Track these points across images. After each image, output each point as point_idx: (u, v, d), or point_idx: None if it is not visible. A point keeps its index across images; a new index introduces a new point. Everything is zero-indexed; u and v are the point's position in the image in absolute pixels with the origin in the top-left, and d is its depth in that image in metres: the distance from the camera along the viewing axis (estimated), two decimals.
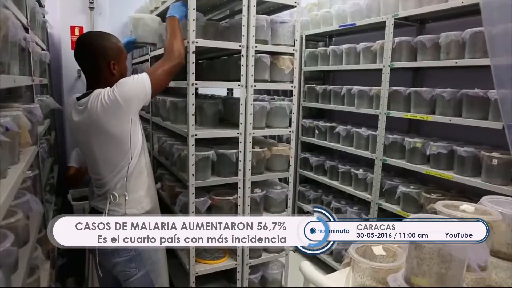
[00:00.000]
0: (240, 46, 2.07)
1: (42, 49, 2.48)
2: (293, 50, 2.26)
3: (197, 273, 2.18)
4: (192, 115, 2.01)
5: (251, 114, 2.16)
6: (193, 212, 2.09)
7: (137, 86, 1.53)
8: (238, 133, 2.16)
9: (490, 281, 1.03)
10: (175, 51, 1.70)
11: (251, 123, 2.17)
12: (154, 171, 3.14)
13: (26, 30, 1.68)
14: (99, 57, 1.56)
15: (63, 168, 3.59)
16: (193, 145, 2.03)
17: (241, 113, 2.15)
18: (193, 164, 2.04)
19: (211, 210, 2.23)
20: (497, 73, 1.43)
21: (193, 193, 2.08)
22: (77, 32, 3.65)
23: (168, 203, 2.57)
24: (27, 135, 1.45)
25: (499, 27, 1.40)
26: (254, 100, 2.19)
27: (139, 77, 1.55)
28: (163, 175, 2.79)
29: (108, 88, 1.50)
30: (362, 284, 1.01)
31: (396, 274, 0.91)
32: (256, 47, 2.10)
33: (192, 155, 2.03)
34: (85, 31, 3.65)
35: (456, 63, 2.21)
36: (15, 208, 1.30)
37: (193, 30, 1.92)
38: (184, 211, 2.20)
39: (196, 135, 2.03)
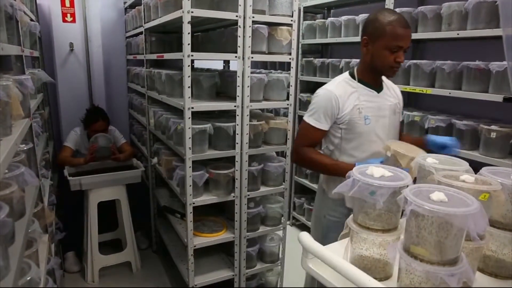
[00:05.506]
0: (236, 16, 2.01)
1: (31, 20, 2.40)
2: (291, 20, 2.19)
3: (195, 246, 2.20)
4: (188, 87, 1.97)
5: (248, 86, 2.12)
6: (190, 185, 2.09)
7: None
8: (235, 106, 2.13)
9: (487, 250, 1.04)
10: (306, 160, 1.71)
11: (248, 96, 2.13)
12: (150, 146, 3.12)
13: None
14: (363, 29, 1.66)
15: (58, 145, 3.55)
16: (189, 118, 2.00)
17: (238, 86, 2.11)
18: (189, 138, 2.02)
19: (208, 184, 2.23)
20: (509, 44, 1.40)
21: (190, 167, 2.06)
22: (67, 4, 3.49)
23: (165, 177, 2.56)
24: (18, 106, 1.40)
25: None
26: (251, 73, 2.15)
27: None
28: (159, 149, 2.76)
29: None
30: (361, 255, 1.01)
31: (395, 244, 0.91)
32: (253, 17, 2.04)
33: (189, 128, 2.01)
34: (75, 2, 3.52)
35: (458, 34, 2.16)
36: (9, 180, 1.28)
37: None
38: (181, 185, 2.20)
39: (192, 108, 2.00)
